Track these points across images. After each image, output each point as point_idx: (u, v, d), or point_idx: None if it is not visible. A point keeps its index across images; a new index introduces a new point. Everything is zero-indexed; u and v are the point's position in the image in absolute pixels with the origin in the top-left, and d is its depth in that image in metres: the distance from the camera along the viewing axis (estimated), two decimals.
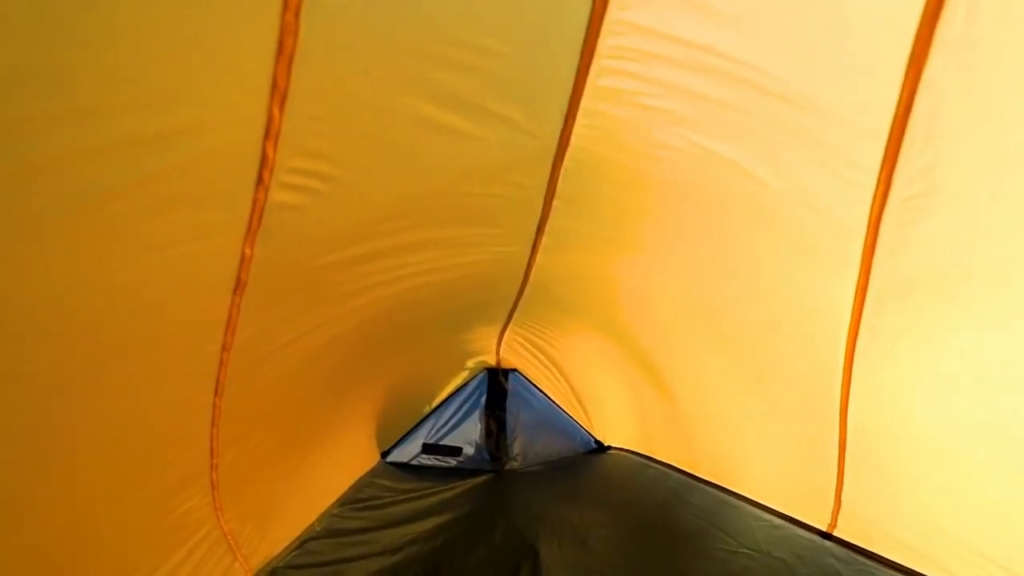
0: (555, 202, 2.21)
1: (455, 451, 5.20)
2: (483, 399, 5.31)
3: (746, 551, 2.94)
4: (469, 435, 5.26)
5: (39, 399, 1.30)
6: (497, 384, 5.29)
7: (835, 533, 2.65)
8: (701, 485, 3.57)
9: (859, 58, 1.48)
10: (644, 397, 3.90)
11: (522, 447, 5.28)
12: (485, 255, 2.51)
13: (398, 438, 5.09)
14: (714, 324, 2.62)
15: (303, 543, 2.98)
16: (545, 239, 2.50)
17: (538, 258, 2.74)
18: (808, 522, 2.79)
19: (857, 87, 1.53)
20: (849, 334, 2.06)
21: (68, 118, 1.04)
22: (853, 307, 1.98)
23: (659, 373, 3.46)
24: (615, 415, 4.92)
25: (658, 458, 4.14)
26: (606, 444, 5.29)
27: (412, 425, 5.14)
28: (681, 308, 2.70)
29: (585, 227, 2.39)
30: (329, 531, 3.20)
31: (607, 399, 4.86)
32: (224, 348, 1.77)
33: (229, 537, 2.30)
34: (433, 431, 5.22)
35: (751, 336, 2.56)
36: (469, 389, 5.31)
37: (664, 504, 3.62)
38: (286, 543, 2.85)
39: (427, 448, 5.16)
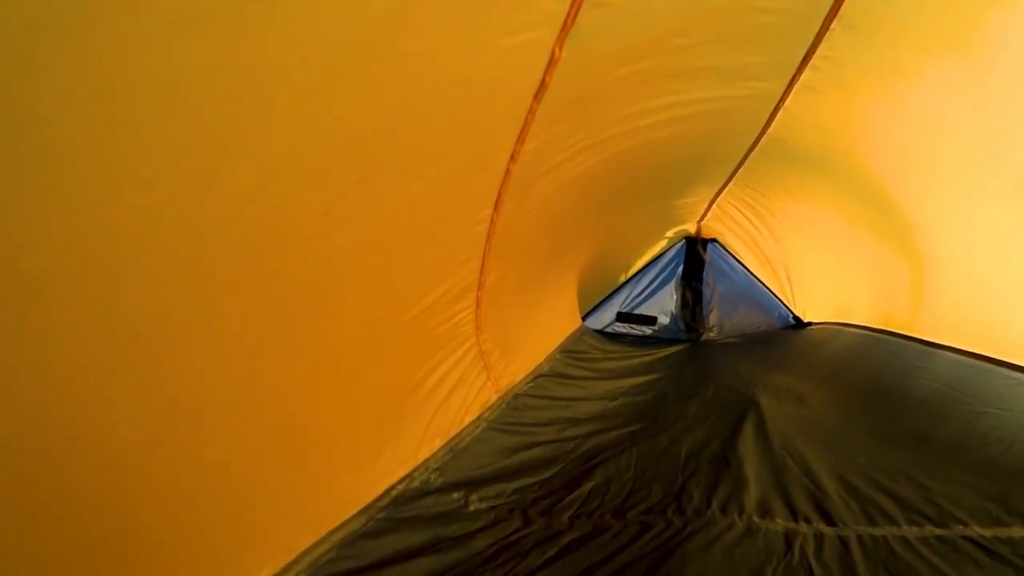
0: (833, 24, 2.04)
1: (650, 320, 5.29)
2: (680, 269, 5.30)
3: (993, 411, 2.77)
4: (664, 305, 5.32)
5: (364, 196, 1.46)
6: (695, 254, 5.23)
7: None
8: (939, 351, 3.36)
9: None
10: (878, 263, 3.67)
11: (718, 319, 5.27)
12: (740, 91, 2.41)
13: (592, 306, 5.26)
14: (1001, 168, 2.34)
15: (535, 378, 3.25)
16: (806, 74, 2.33)
17: (789, 101, 2.58)
18: None
19: None
20: None
21: None
22: None
23: (906, 234, 3.22)
24: (825, 288, 4.71)
25: (881, 327, 3.92)
26: (806, 320, 5.12)
27: (608, 293, 5.27)
28: (960, 154, 2.44)
29: (858, 57, 2.19)
30: (554, 373, 3.46)
31: (818, 271, 4.64)
32: (512, 158, 1.88)
33: (484, 356, 2.56)
34: (627, 300, 5.32)
35: None
36: (665, 259, 5.32)
37: (890, 371, 3.47)
38: (522, 376, 3.12)
39: (621, 316, 5.29)
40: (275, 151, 1.13)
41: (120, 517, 1.16)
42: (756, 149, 3.17)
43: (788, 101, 2.58)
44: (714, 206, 4.57)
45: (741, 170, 3.55)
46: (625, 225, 4.41)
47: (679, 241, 5.25)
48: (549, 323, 3.73)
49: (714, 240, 5.19)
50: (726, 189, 4.04)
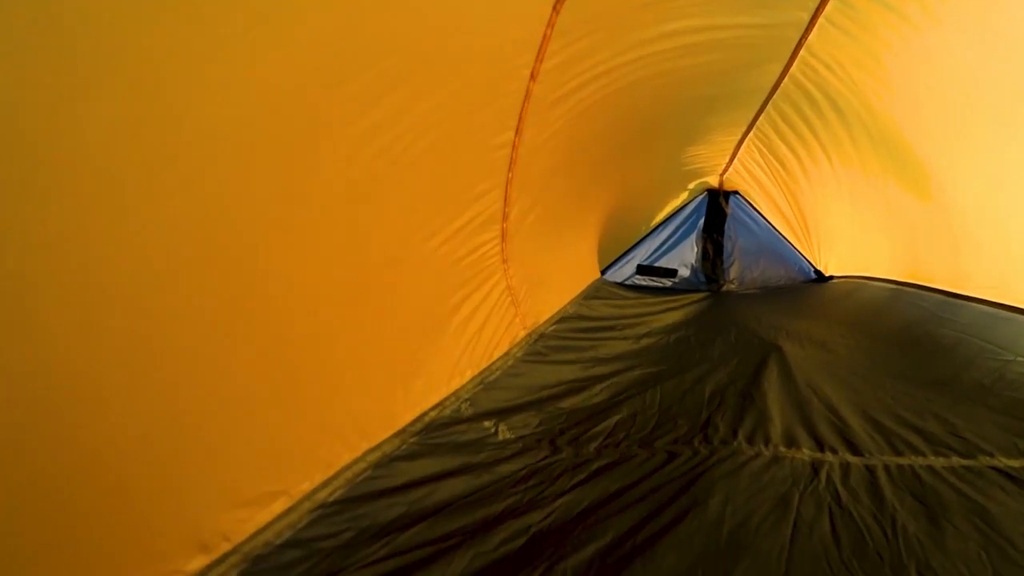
0: None
1: (670, 272, 5.27)
2: (701, 222, 5.26)
3: (1021, 359, 2.75)
4: (685, 258, 5.30)
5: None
6: (717, 207, 5.18)
7: None
8: (965, 302, 3.32)
9: None
10: (901, 214, 3.61)
11: (739, 272, 5.24)
12: (759, 19, 2.35)
13: (613, 259, 5.24)
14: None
15: (561, 319, 3.28)
16: (830, 6, 2.27)
17: (811, 38, 2.52)
18: None
19: None
20: None
21: None
22: None
23: (928, 183, 3.16)
24: (847, 241, 4.65)
25: (906, 280, 3.88)
26: (828, 274, 5.08)
27: (628, 247, 5.25)
28: (982, 99, 2.38)
29: None
30: (579, 316, 3.48)
31: (840, 225, 4.58)
32: (531, 77, 1.87)
33: (511, 291, 2.57)
34: (648, 253, 5.30)
35: None
36: (686, 212, 5.27)
37: (915, 320, 3.45)
38: (548, 316, 3.15)
39: (642, 269, 5.28)
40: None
41: (172, 420, 1.20)
42: (777, 92, 3.11)
43: (810, 37, 2.52)
44: (736, 159, 4.51)
45: (762, 117, 3.49)
46: (644, 175, 4.37)
47: (701, 194, 5.20)
48: (573, 267, 3.74)
49: (736, 193, 5.13)
50: (747, 140, 3.98)
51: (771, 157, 4.18)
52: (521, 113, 1.98)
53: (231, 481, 1.36)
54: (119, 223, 0.99)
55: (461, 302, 2.19)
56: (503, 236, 2.33)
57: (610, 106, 2.54)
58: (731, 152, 4.35)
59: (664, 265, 5.29)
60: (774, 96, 3.24)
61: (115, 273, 1.01)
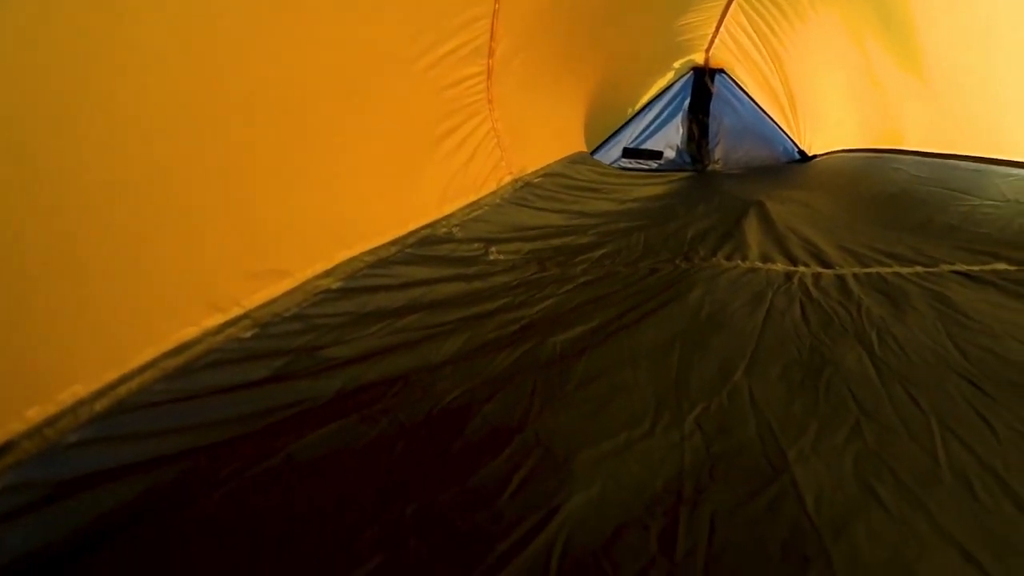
0: None
1: (655, 155, 5.30)
2: (686, 103, 5.24)
3: (990, 203, 2.86)
4: (670, 139, 5.31)
5: None
6: (702, 86, 5.16)
7: None
8: (944, 160, 3.41)
9: None
10: (882, 80, 3.64)
11: (724, 152, 5.28)
12: None
13: (599, 143, 5.24)
14: None
15: (547, 175, 3.33)
16: None
17: None
18: None
19: None
20: None
21: None
22: None
23: (908, 41, 3.18)
24: (831, 118, 4.68)
25: (886, 147, 3.95)
26: (811, 154, 5.13)
27: (614, 129, 5.23)
28: None
29: None
30: (565, 175, 3.53)
31: (824, 98, 4.59)
32: None
33: (497, 135, 2.61)
34: (633, 136, 5.30)
35: None
36: (671, 93, 5.24)
37: (893, 180, 3.54)
38: (533, 169, 3.20)
39: (628, 152, 5.29)
40: None
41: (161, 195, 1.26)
42: None
43: None
44: (722, 27, 4.46)
45: None
46: (630, 46, 4.31)
47: (686, 73, 5.16)
48: (559, 130, 3.76)
49: (722, 70, 5.09)
50: (731, 9, 3.92)
51: (759, 21, 4.15)
52: None
53: (240, 255, 1.45)
54: None
55: (448, 133, 2.24)
56: (488, 73, 2.35)
57: None
58: (716, 24, 4.29)
59: (650, 147, 5.30)
60: None
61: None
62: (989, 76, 2.98)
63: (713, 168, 5.19)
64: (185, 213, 1.30)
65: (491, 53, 2.30)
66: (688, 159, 5.28)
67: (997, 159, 3.10)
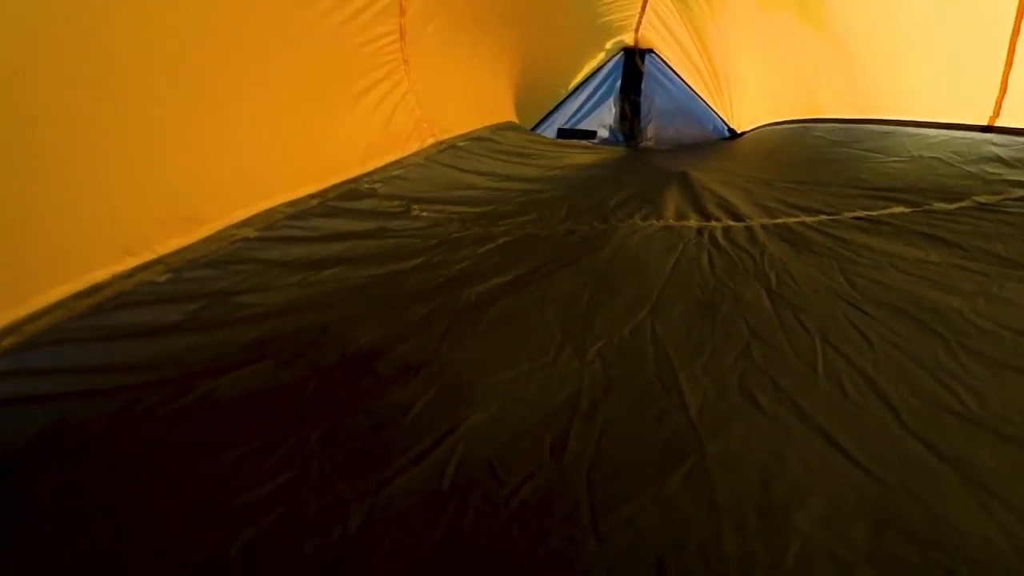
0: None
1: (589, 135, 5.37)
2: (618, 83, 5.33)
3: (895, 159, 3.01)
4: (604, 119, 5.39)
5: None
6: (633, 66, 5.25)
7: (996, 123, 2.67)
8: (861, 125, 3.57)
9: None
10: (800, 56, 3.79)
11: (655, 131, 5.38)
12: None
13: (534, 123, 5.28)
14: None
15: (474, 139, 3.34)
16: None
17: None
18: (966, 122, 2.81)
19: None
20: None
21: None
22: None
23: (824, 18, 3.33)
24: (754, 88, 4.83)
25: (805, 116, 4.11)
26: (740, 132, 5.28)
27: (549, 108, 5.28)
28: None
29: None
30: (492, 140, 3.54)
31: (748, 76, 4.74)
32: None
33: (416, 96, 2.61)
34: (567, 117, 5.37)
35: None
36: (603, 74, 5.32)
37: (811, 146, 3.68)
38: (457, 133, 3.21)
39: (562, 133, 5.34)
40: None
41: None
42: None
43: None
44: (647, 11, 4.55)
45: None
46: (552, 19, 4.36)
47: (617, 53, 5.24)
48: (485, 99, 3.79)
49: (652, 51, 5.19)
50: None
51: (681, 1, 4.25)
52: None
53: (151, 201, 1.44)
54: None
55: (367, 89, 2.26)
56: (401, 33, 2.35)
57: None
58: (641, 7, 4.38)
59: (584, 128, 5.37)
60: None
61: None
62: (894, 40, 3.14)
63: (646, 145, 5.29)
64: (92, 158, 1.28)
65: (402, 12, 2.31)
66: (621, 138, 5.37)
67: (905, 120, 3.28)
